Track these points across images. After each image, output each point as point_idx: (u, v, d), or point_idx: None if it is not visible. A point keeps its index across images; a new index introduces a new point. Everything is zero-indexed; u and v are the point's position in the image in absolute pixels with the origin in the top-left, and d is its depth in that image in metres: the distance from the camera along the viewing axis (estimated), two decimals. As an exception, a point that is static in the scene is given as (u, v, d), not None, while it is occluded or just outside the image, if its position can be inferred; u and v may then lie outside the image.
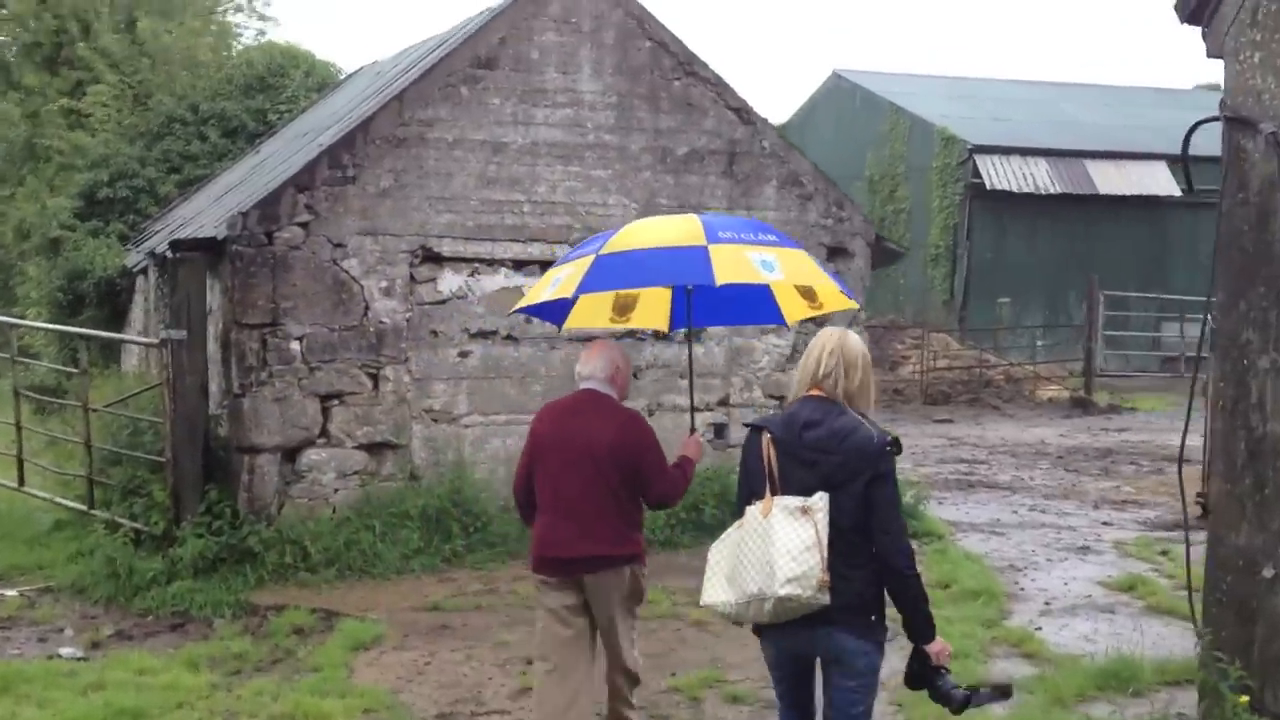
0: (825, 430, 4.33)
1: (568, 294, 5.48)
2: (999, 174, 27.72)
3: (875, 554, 4.28)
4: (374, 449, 9.86)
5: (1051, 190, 27.86)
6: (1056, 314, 27.94)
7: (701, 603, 4.54)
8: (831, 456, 4.29)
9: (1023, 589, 9.13)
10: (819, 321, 10.92)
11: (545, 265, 10.19)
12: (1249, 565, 5.12)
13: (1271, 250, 4.99)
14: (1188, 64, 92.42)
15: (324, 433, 9.72)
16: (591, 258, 5.43)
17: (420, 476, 9.90)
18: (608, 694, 5.88)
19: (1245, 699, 4.36)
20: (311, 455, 9.67)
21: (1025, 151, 28.32)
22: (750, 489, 4.46)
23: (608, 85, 10.37)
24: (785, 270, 5.36)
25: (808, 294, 5.82)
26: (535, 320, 10.16)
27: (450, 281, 10.06)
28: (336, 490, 9.72)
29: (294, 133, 15.96)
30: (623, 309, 6.20)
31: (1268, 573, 4.97)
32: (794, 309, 5.99)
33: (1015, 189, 27.48)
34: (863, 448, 4.28)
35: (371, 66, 17.32)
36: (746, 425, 4.68)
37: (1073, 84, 35.99)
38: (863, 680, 4.35)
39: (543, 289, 5.72)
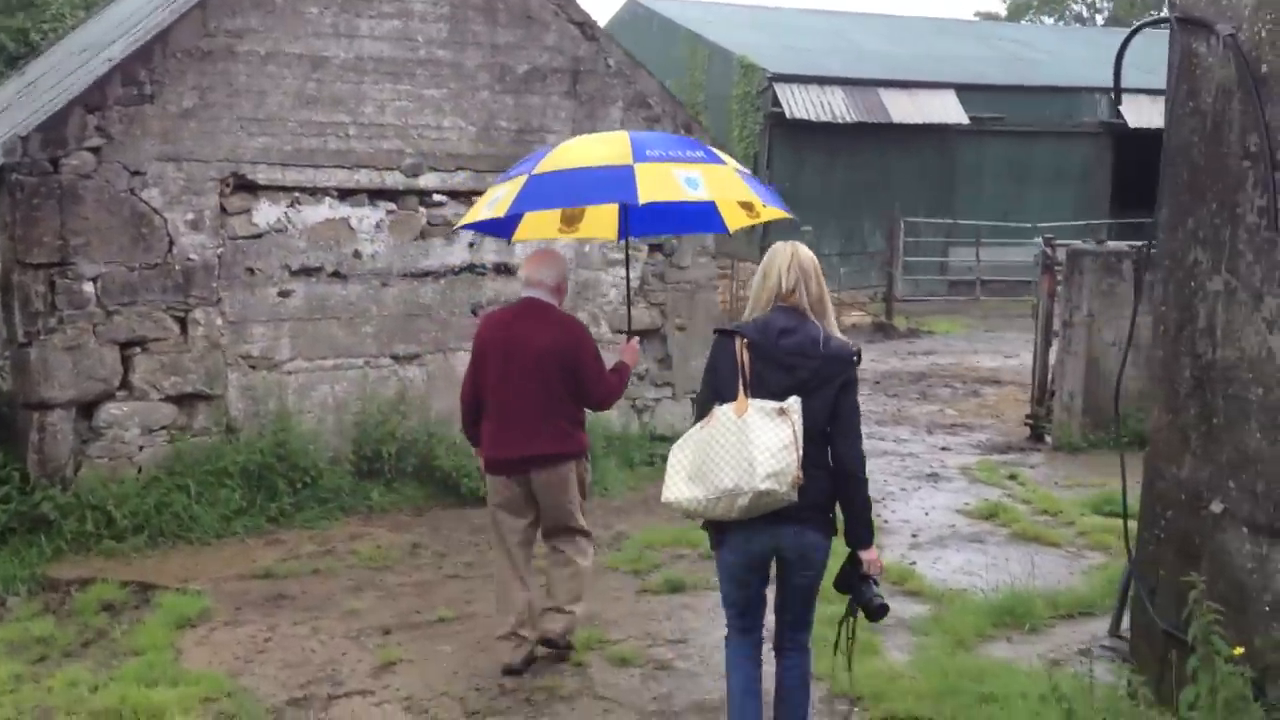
0: (802, 337, 4.54)
1: (500, 214, 5.71)
2: (798, 103, 27.67)
3: (834, 456, 4.53)
4: (184, 401, 8.86)
5: (848, 119, 27.97)
6: (852, 242, 28.24)
7: (663, 500, 4.68)
8: (810, 361, 4.51)
9: (885, 521, 8.90)
10: (666, 253, 10.45)
11: (375, 194, 9.36)
12: (1192, 500, 4.87)
13: (1225, 163, 4.68)
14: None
15: (125, 384, 8.66)
16: (525, 177, 5.66)
17: (239, 429, 8.96)
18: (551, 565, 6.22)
19: (1240, 649, 4.08)
20: (111, 410, 8.62)
21: (822, 80, 28.35)
22: (716, 391, 4.63)
23: (437, -6, 9.51)
24: (709, 187, 5.54)
25: (745, 204, 6.01)
26: (365, 255, 9.33)
27: (267, 213, 9.09)
28: (142, 448, 8.70)
29: (66, 50, 14.38)
30: (570, 220, 6.40)
31: (1215, 508, 4.72)
32: (734, 218, 6.25)
33: (814, 118, 27.47)
34: (839, 354, 4.54)
35: (151, -21, 15.76)
36: (716, 330, 4.86)
37: (862, 13, 36.42)
38: (819, 571, 4.65)
39: (481, 207, 5.98)
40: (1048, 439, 12.07)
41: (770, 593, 4.81)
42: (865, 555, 4.63)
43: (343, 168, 9.21)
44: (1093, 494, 9.42)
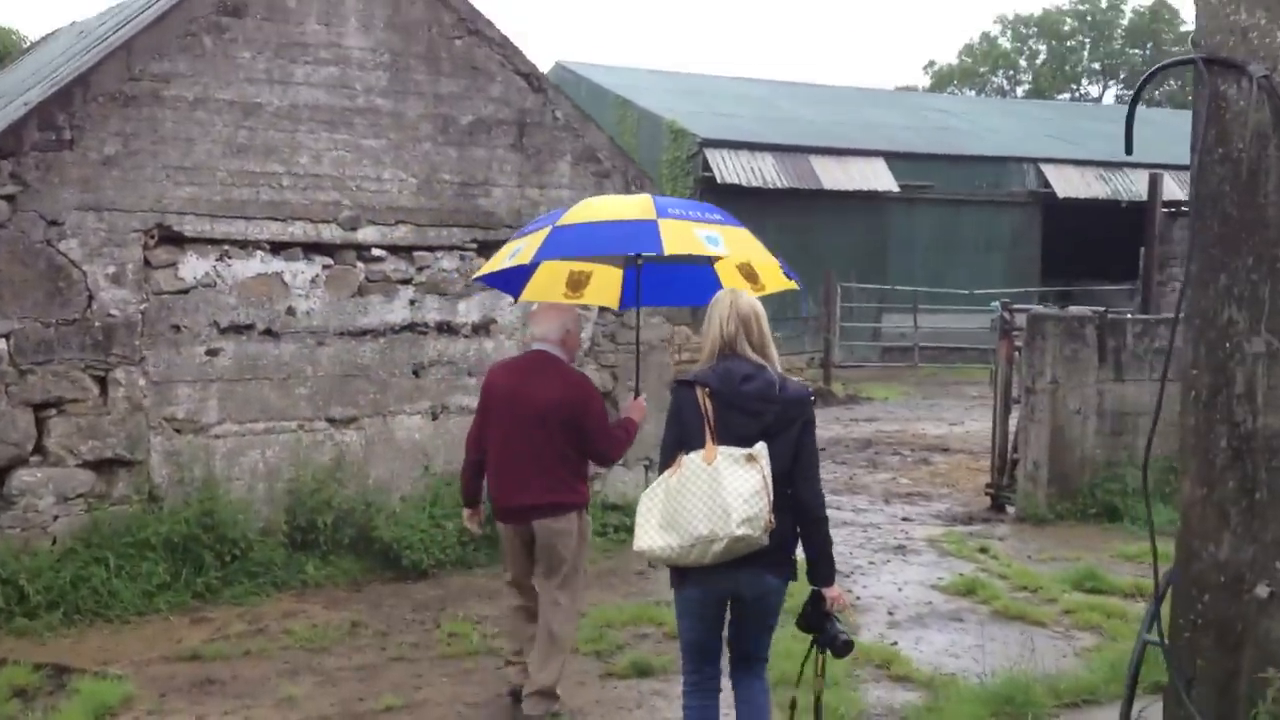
0: (762, 382, 4.66)
1: (525, 260, 5.84)
2: (728, 168, 27.54)
3: (793, 498, 4.60)
4: (103, 467, 8.14)
5: (779, 184, 27.91)
6: (785, 307, 28.04)
7: (635, 548, 4.73)
8: (772, 406, 4.63)
9: (858, 597, 8.40)
10: (616, 312, 9.94)
11: (310, 248, 8.78)
12: (1232, 583, 4.42)
13: (1263, 214, 4.29)
14: (884, 66, 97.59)
15: (39, 449, 7.94)
16: (548, 229, 5.82)
17: (162, 498, 8.25)
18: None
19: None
20: (24, 476, 7.88)
21: (753, 146, 28.39)
22: (681, 440, 4.69)
23: (379, 41, 8.98)
24: (729, 246, 5.75)
25: (749, 274, 6.15)
26: (299, 312, 8.72)
27: (195, 267, 8.44)
28: (57, 517, 7.96)
29: (-23, 98, 13.61)
30: (576, 285, 6.51)
31: (1261, 591, 4.28)
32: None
33: (744, 183, 27.34)
34: (798, 397, 4.69)
35: (71, 28, 15.07)
36: (676, 381, 4.90)
37: (790, 82, 36.69)
38: (774, 613, 4.80)
39: (502, 258, 6.07)
40: (1009, 509, 11.69)
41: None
42: (829, 593, 4.74)
43: (276, 219, 8.62)
44: (1069, 569, 9.02)
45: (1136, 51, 60.45)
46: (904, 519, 11.31)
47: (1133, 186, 32.64)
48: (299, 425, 8.74)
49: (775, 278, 6.13)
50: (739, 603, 4.74)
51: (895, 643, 7.44)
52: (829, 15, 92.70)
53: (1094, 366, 11.10)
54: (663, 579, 8.78)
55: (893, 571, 9.19)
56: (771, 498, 4.49)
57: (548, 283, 6.46)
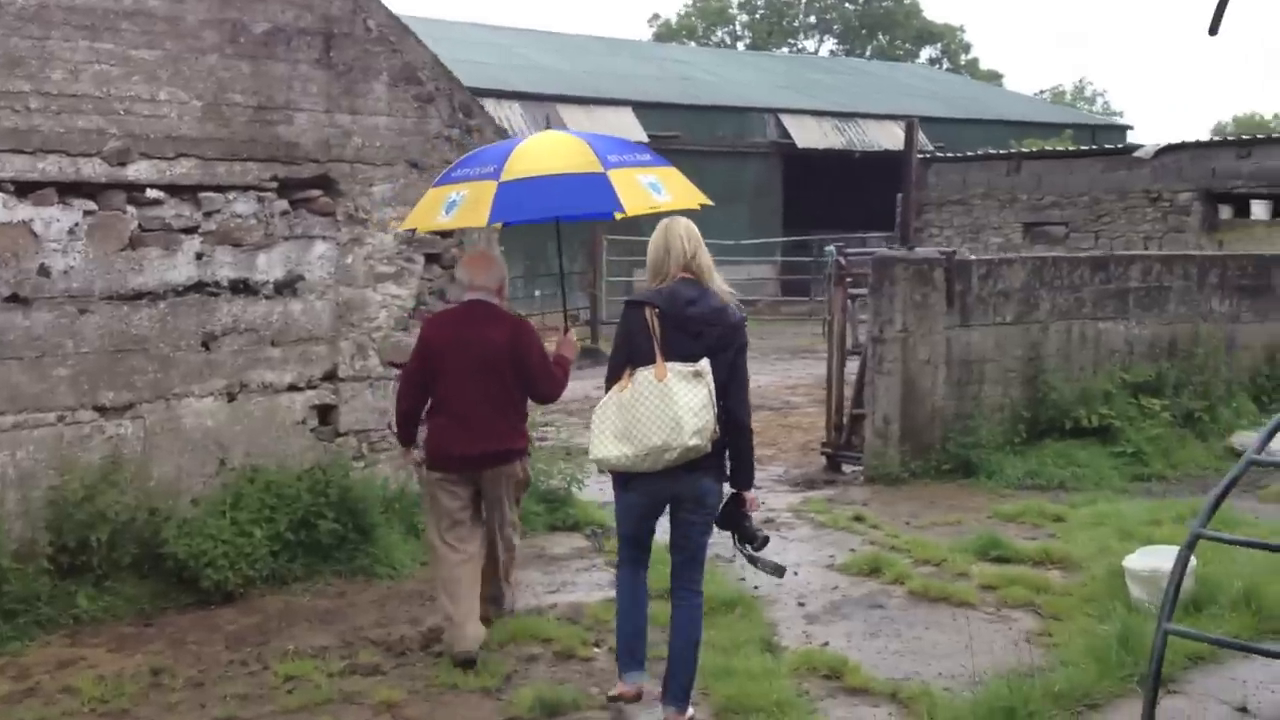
0: (705, 306, 5.08)
1: (480, 223, 5.87)
2: (476, 116, 26.04)
3: (726, 410, 5.03)
4: None
5: (526, 133, 26.53)
6: (538, 261, 26.82)
7: (592, 458, 5.23)
8: (714, 328, 5.05)
9: (756, 586, 7.29)
10: (447, 263, 8.43)
11: (67, 189, 6.88)
12: None
13: None
14: (609, 19, 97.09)
15: None
16: (494, 185, 5.68)
17: (-126, 520, 6.26)
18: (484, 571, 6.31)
19: None
20: None
21: (499, 94, 27.17)
22: (630, 358, 5.13)
23: (144, -73, 7.10)
24: (670, 191, 5.73)
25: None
26: (55, 272, 6.85)
27: (-92, 214, 6.43)
28: None
29: None
30: (450, 207, 6.02)
31: None
32: (635, 199, 5.69)
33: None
34: (737, 323, 5.13)
35: None
36: (627, 301, 5.28)
37: (533, 30, 35.73)
38: (711, 511, 5.24)
39: (435, 212, 5.98)
40: (846, 469, 10.89)
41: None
42: (749, 495, 5.29)
43: (21, 153, 6.64)
44: (967, 537, 8.20)
45: (850, 5, 61.94)
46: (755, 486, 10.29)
47: (864, 136, 33.05)
48: (59, 417, 6.85)
49: (684, 196, 5.84)
50: (679, 504, 5.17)
51: (826, 643, 6.36)
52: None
53: (943, 312, 10.36)
54: (533, 579, 7.47)
55: (776, 552, 8.08)
56: (716, 411, 4.95)
57: (426, 210, 6.17)
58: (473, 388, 5.95)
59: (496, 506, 6.18)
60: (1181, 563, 4.06)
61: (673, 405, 4.88)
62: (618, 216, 5.88)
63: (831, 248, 11.39)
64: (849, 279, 11.20)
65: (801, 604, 7.06)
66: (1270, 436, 3.82)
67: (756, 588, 7.29)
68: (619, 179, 5.57)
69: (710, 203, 5.98)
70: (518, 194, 5.62)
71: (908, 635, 6.50)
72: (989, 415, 10.56)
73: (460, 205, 5.75)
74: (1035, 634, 6.48)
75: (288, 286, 7.71)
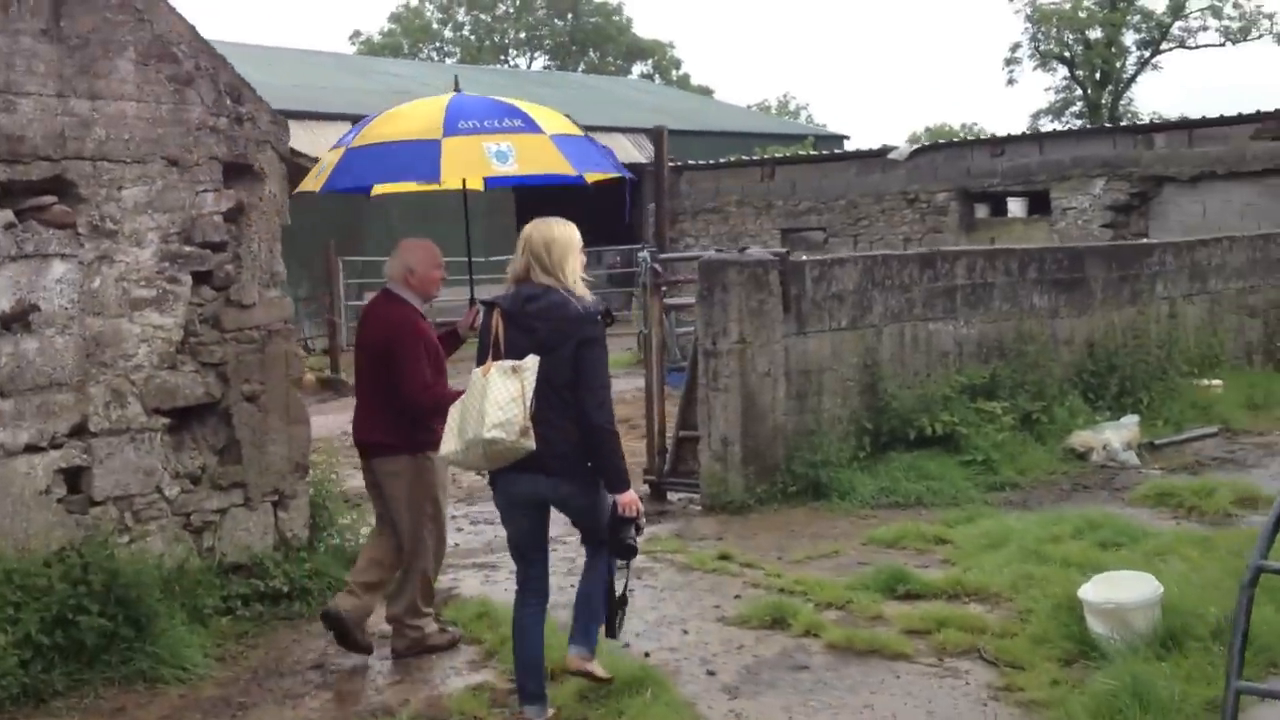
0: (543, 303, 4.99)
1: (316, 188, 6.18)
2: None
3: (577, 408, 4.91)
4: None
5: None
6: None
7: (439, 455, 5.19)
8: (547, 324, 4.95)
9: (647, 654, 6.00)
10: (219, 284, 6.77)
11: None
12: None
13: None
14: (309, 34, 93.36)
15: None
16: (344, 150, 6.06)
17: None
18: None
19: None
20: None
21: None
22: (479, 356, 5.09)
23: None
24: (520, 160, 5.80)
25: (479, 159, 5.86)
26: None
27: None
28: None
29: None
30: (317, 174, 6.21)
31: None
32: (456, 167, 5.84)
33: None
34: (577, 316, 4.94)
35: None
36: (482, 302, 5.27)
37: (245, 44, 33.69)
38: (586, 512, 5.11)
39: (310, 177, 6.24)
40: (672, 497, 9.77)
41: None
42: (619, 499, 4.95)
43: None
44: (848, 570, 7.27)
45: (560, 21, 61.51)
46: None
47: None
48: None
49: (533, 165, 5.95)
50: (551, 505, 5.10)
51: (765, 727, 5.17)
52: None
53: (780, 320, 9.38)
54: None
55: (652, 605, 6.85)
56: (528, 405, 4.76)
57: (313, 172, 6.25)
58: (358, 379, 6.06)
59: (391, 505, 6.02)
60: (1246, 605, 3.51)
61: (484, 399, 4.79)
62: (434, 187, 6.19)
63: (645, 254, 10.20)
64: (664, 287, 10.10)
65: (711, 673, 5.82)
66: None
67: (647, 654, 6.03)
68: (454, 146, 5.60)
69: (577, 172, 6.06)
70: (359, 160, 5.76)
71: (854, 704, 5.39)
72: (831, 429, 9.65)
73: (323, 171, 5.86)
74: (999, 689, 5.47)
75: (18, 320, 5.90)
